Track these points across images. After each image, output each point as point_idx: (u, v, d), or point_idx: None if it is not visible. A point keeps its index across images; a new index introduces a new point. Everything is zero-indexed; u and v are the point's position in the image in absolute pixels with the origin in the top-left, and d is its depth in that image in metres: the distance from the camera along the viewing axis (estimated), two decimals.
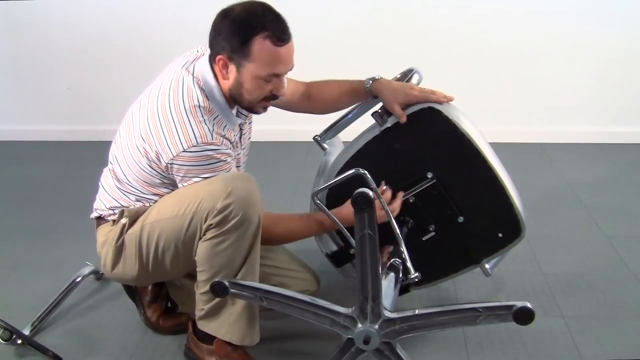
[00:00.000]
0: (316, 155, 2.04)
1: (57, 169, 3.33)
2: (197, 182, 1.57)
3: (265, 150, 3.38)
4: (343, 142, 2.01)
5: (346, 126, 1.95)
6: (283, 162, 3.33)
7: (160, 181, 1.64)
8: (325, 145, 1.97)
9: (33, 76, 3.69)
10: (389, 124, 1.70)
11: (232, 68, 1.56)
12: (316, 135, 1.97)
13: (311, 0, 3.34)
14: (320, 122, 2.01)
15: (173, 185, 1.64)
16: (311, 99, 1.94)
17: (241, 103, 1.64)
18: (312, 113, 1.97)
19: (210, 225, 1.53)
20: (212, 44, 1.58)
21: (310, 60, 3.34)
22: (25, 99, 3.76)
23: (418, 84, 1.80)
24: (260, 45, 1.52)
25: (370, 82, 1.81)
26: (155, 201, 1.67)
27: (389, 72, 1.95)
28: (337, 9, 3.36)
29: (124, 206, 1.69)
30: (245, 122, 1.77)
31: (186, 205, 1.55)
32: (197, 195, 1.54)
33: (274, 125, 3.54)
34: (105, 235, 1.71)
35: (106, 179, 1.76)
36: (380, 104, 1.77)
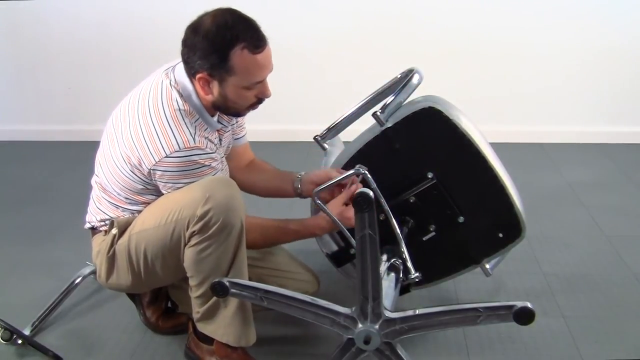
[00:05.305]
0: (316, 155, 2.04)
1: (57, 169, 3.33)
2: (181, 187, 1.57)
3: (265, 150, 3.35)
4: (343, 142, 2.01)
5: (346, 126, 1.95)
6: (283, 162, 3.30)
7: (143, 187, 1.63)
8: (326, 145, 1.97)
9: (33, 76, 3.69)
10: (389, 124, 1.70)
11: (214, 84, 1.55)
12: (317, 135, 1.96)
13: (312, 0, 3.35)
14: (321, 122, 2.01)
15: (157, 192, 1.63)
16: (251, 172, 1.95)
17: (227, 112, 1.64)
18: (246, 190, 1.90)
19: (193, 232, 1.53)
20: (188, 61, 1.55)
21: (310, 60, 3.38)
22: (25, 99, 3.76)
23: (419, 83, 1.80)
24: (239, 57, 1.49)
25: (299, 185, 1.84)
26: (141, 211, 1.66)
27: (389, 72, 1.94)
28: (337, 9, 3.36)
29: (112, 217, 1.69)
30: (228, 127, 1.76)
31: (167, 214, 1.55)
32: (178, 204, 1.54)
33: (274, 125, 3.55)
34: (99, 246, 1.71)
35: (94, 191, 1.76)
36: (381, 104, 1.76)
